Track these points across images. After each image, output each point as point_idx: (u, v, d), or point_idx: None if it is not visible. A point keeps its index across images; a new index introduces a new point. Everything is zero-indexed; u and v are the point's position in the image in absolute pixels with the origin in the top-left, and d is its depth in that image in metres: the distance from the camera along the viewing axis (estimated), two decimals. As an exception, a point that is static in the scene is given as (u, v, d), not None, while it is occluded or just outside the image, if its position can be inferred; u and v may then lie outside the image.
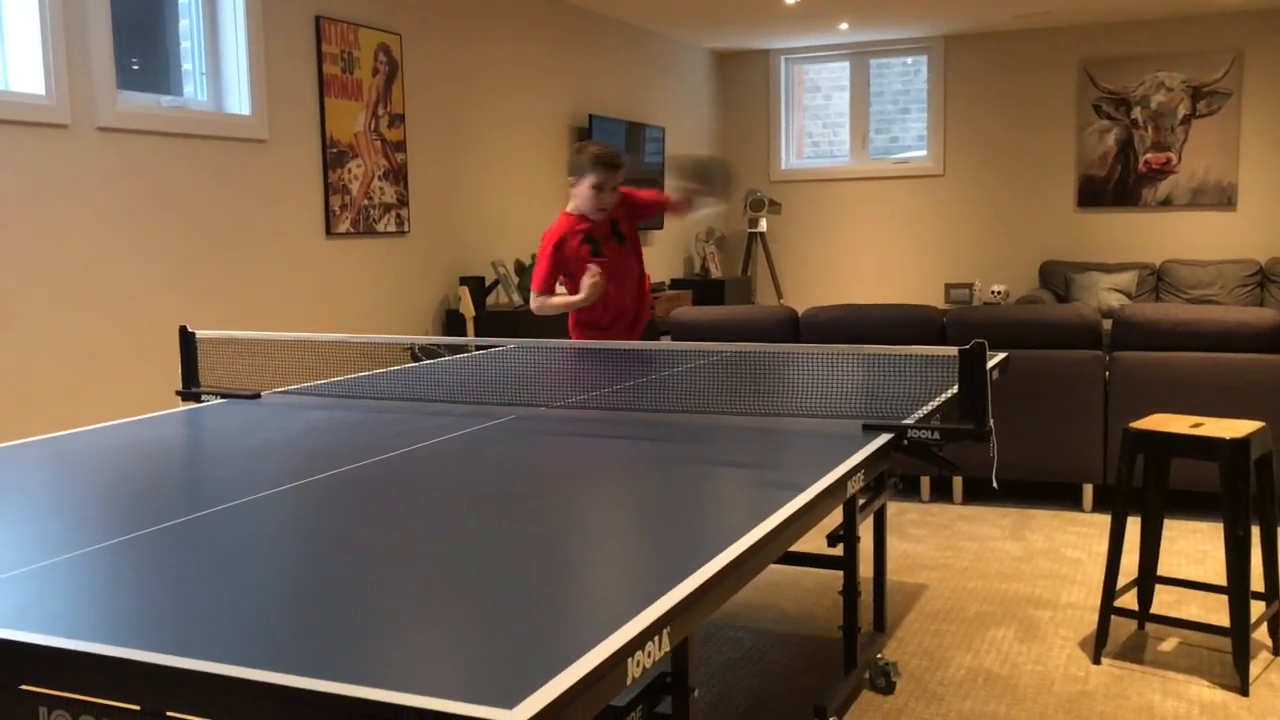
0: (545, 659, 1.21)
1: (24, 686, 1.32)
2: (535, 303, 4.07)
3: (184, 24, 5.01)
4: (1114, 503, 3.30)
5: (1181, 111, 8.83)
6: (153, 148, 4.61)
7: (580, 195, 4.00)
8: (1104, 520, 4.79)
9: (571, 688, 1.15)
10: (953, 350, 2.54)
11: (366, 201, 5.81)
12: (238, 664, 1.21)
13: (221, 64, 5.06)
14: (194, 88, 5.04)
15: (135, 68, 4.78)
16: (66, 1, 4.20)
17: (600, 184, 3.94)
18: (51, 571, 1.55)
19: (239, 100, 5.07)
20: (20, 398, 4.08)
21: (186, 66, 5.03)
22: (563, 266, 4.05)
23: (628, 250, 4.12)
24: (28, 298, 4.11)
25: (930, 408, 2.62)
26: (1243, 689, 3.07)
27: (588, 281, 3.91)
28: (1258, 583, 3.84)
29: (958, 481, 5.17)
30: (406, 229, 6.12)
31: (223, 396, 3.11)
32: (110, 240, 4.43)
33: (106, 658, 1.25)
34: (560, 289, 4.09)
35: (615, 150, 4.03)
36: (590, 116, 7.69)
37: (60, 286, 4.22)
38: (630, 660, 1.26)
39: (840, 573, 2.92)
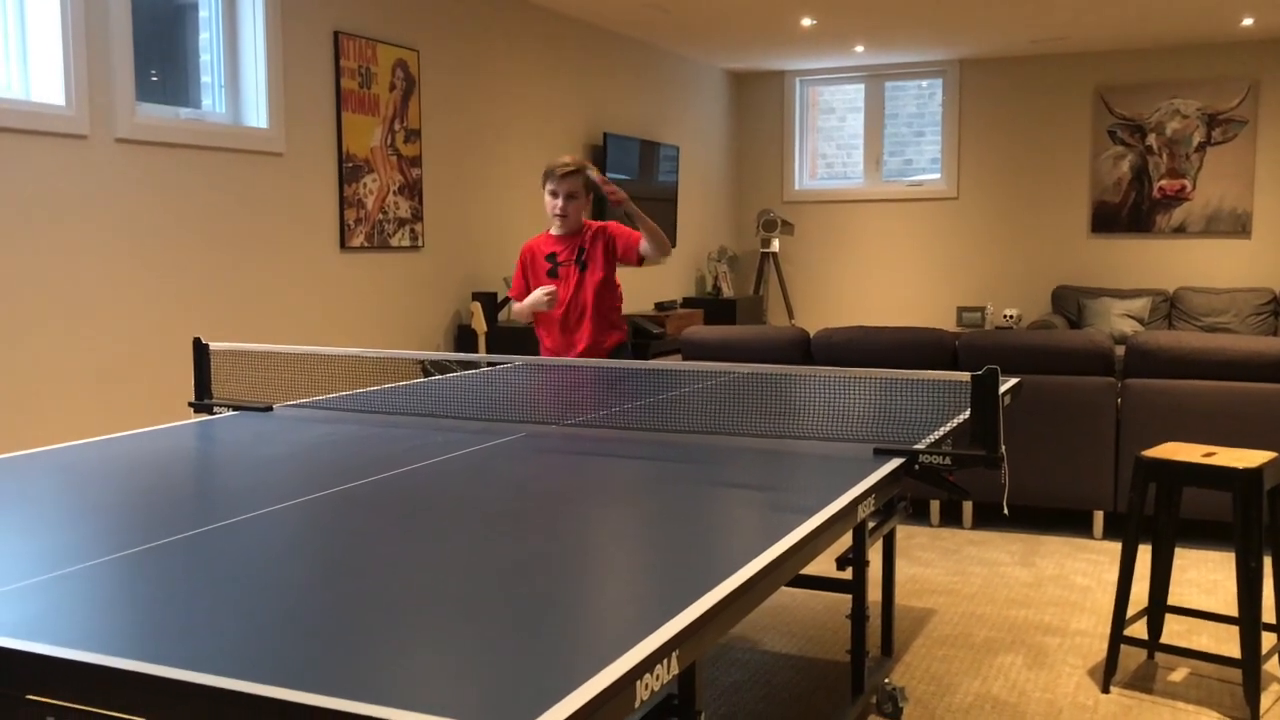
0: (553, 680, 1.21)
1: (31, 696, 1.33)
2: (512, 308, 4.36)
3: (204, 37, 5.05)
4: (1125, 531, 3.28)
5: (1196, 139, 8.82)
6: (170, 159, 4.63)
7: (546, 208, 4.23)
8: (1114, 548, 4.77)
9: (579, 710, 1.14)
10: (965, 376, 2.53)
11: (381, 216, 5.83)
12: (246, 679, 1.21)
13: (240, 77, 5.09)
14: (212, 100, 5.07)
15: (154, 80, 4.81)
16: (88, 13, 4.24)
17: (554, 190, 4.15)
18: (61, 583, 1.56)
19: (257, 113, 5.10)
20: (33, 407, 4.10)
21: (205, 79, 5.06)
22: (528, 277, 4.26)
23: (584, 279, 4.20)
24: (43, 307, 4.13)
25: (942, 432, 2.62)
26: (1253, 721, 3.04)
27: (541, 292, 4.12)
28: (1269, 614, 3.82)
29: (968, 506, 5.15)
30: (420, 244, 6.14)
31: (235, 409, 3.11)
32: (126, 251, 4.45)
33: (114, 670, 1.25)
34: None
35: (567, 159, 4.19)
36: (605, 135, 7.71)
37: (76, 296, 4.24)
38: (639, 683, 1.26)
39: (849, 596, 2.90)
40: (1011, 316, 9.07)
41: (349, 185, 5.60)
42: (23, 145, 4.04)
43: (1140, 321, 8.52)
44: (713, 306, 9.02)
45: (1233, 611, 3.93)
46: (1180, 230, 8.93)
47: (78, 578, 1.58)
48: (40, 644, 1.31)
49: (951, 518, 5.23)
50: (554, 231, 4.22)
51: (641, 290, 8.36)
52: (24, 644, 1.31)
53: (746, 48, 8.88)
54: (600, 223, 4.26)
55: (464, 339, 6.41)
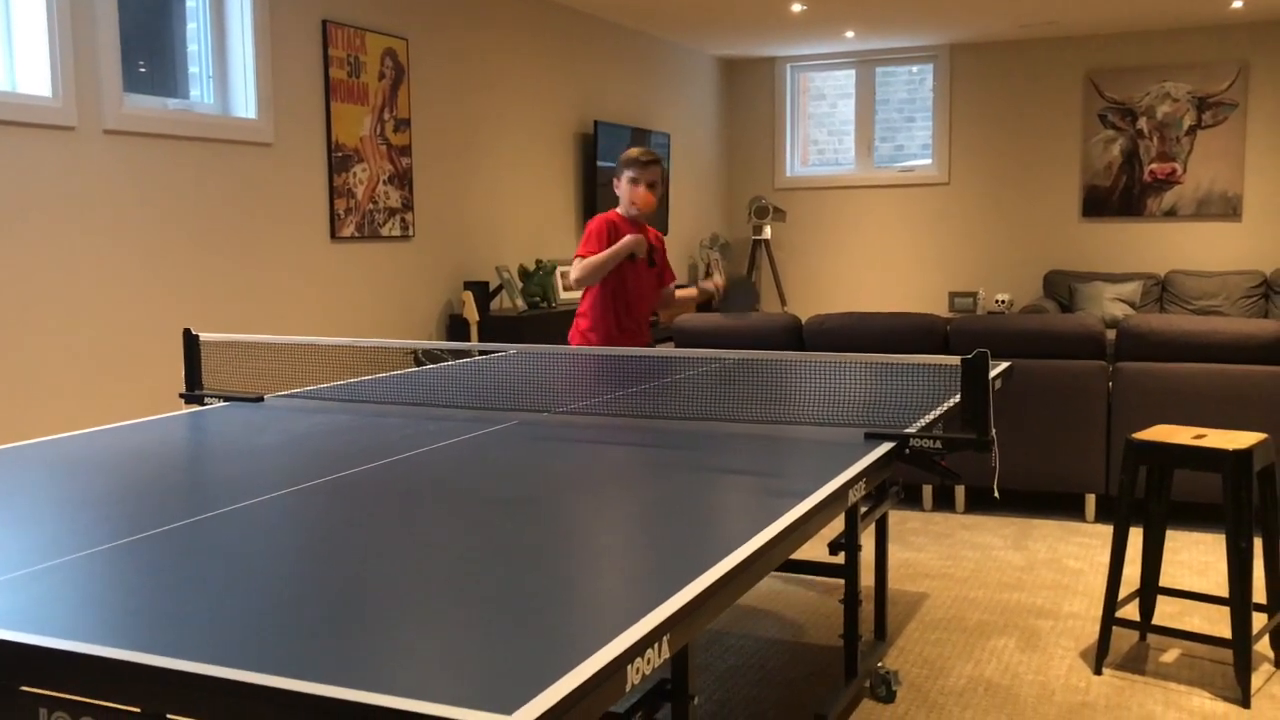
0: (545, 665, 1.21)
1: (24, 688, 1.33)
2: (578, 268, 4.09)
3: (191, 27, 5.03)
4: (1116, 513, 3.30)
5: (1187, 122, 8.83)
6: (159, 150, 4.62)
7: (622, 193, 4.20)
8: (1106, 531, 4.79)
9: (571, 694, 1.15)
10: (955, 360, 2.54)
11: (371, 206, 5.82)
12: (238, 667, 1.21)
13: (228, 67, 5.07)
14: (200, 91, 5.05)
15: (142, 70, 4.79)
16: (74, 4, 4.22)
17: (635, 177, 4.15)
18: (53, 573, 1.56)
19: (245, 104, 5.09)
20: (24, 399, 4.09)
21: (193, 69, 5.04)
22: (607, 245, 4.12)
23: (650, 275, 4.27)
24: (32, 299, 4.11)
25: (932, 416, 2.62)
26: (1244, 701, 3.06)
27: (631, 238, 4.05)
28: (1259, 595, 3.84)
29: (960, 491, 5.17)
30: (411, 233, 6.12)
31: (226, 399, 3.11)
32: (115, 242, 4.43)
33: (107, 660, 1.25)
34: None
35: (648, 149, 4.29)
36: (596, 123, 7.70)
37: (64, 288, 4.23)
38: (630, 667, 1.26)
39: (841, 581, 2.92)
40: (1003, 301, 9.08)
41: (338, 175, 5.58)
42: (9, 137, 4.02)
43: (1131, 305, 8.53)
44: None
45: (1224, 592, 3.95)
46: (1171, 214, 8.94)
47: (70, 568, 1.58)
48: (33, 634, 1.31)
49: (944, 502, 5.24)
50: (624, 213, 4.22)
51: (633, 278, 8.35)
52: (17, 635, 1.31)
53: (737, 34, 8.86)
54: (654, 230, 4.34)
55: (456, 328, 6.41)
